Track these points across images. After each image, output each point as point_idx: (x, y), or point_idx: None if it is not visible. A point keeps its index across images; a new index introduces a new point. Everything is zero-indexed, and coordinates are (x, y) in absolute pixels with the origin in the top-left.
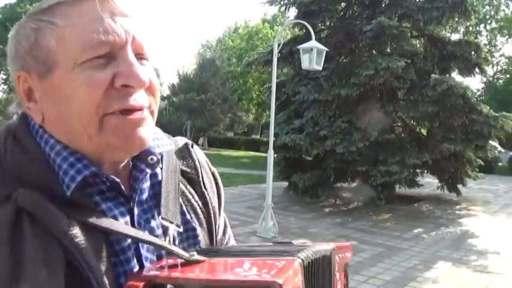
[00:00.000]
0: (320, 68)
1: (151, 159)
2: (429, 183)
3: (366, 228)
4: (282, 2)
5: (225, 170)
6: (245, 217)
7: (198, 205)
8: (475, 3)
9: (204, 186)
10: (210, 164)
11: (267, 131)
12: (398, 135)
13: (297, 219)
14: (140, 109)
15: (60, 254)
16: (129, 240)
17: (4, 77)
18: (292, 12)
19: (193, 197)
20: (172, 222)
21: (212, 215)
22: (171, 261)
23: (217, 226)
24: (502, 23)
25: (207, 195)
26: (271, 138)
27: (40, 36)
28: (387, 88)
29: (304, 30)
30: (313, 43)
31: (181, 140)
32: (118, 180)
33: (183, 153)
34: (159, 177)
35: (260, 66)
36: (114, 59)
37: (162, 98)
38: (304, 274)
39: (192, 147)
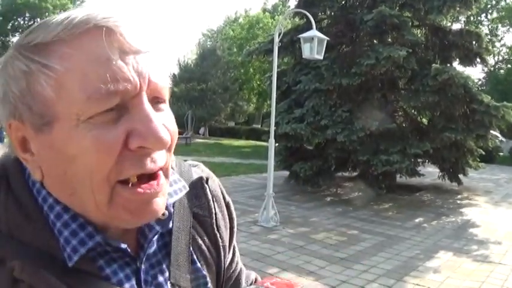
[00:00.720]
0: (321, 57)
1: (163, 214)
2: (430, 172)
3: (367, 218)
4: None
5: (226, 160)
6: (246, 206)
7: (208, 249)
8: None
9: (217, 229)
10: (225, 194)
11: (268, 121)
12: (400, 125)
13: (298, 208)
14: (157, 175)
15: None
16: None
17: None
18: (293, 1)
19: (204, 242)
20: (180, 285)
21: (222, 255)
22: None
23: (226, 262)
24: (503, 13)
25: (218, 237)
26: (272, 128)
27: (33, 82)
28: (388, 77)
29: (304, 20)
30: (314, 32)
31: (195, 171)
32: (125, 246)
33: (197, 191)
34: (169, 226)
35: (261, 55)
36: (127, 111)
37: None
38: None
39: (207, 182)
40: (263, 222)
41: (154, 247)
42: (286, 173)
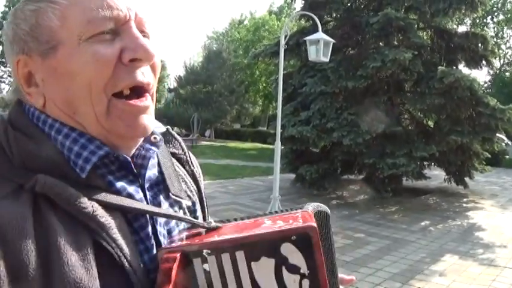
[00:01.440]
0: (327, 59)
1: (155, 138)
2: (436, 175)
3: (373, 221)
4: None
5: (232, 162)
6: (252, 209)
7: (190, 183)
8: None
9: (191, 162)
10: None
11: (274, 123)
12: (406, 128)
13: None
14: (147, 89)
15: (87, 235)
16: (146, 217)
17: (10, 69)
18: (299, 3)
19: (186, 176)
20: (182, 198)
21: (200, 184)
22: (187, 234)
23: (206, 200)
24: (509, 15)
25: (196, 172)
26: (279, 131)
27: (41, 16)
28: (394, 80)
29: (310, 22)
30: (320, 35)
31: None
32: (129, 158)
33: (167, 137)
34: (161, 147)
35: (267, 58)
36: (119, 35)
37: (169, 90)
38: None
39: (172, 129)
40: None
41: (151, 171)
42: (292, 175)
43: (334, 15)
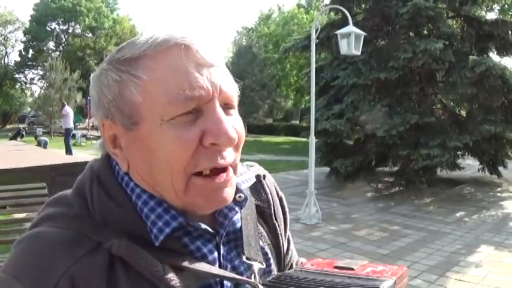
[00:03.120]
0: (359, 53)
1: (240, 196)
2: (470, 165)
3: (408, 213)
4: None
5: (266, 157)
6: (288, 204)
7: (269, 236)
8: None
9: (276, 219)
10: (278, 189)
11: (307, 117)
12: (438, 118)
13: (339, 204)
14: (227, 168)
15: None
16: (215, 279)
17: (41, 72)
18: None
19: (264, 229)
20: (256, 260)
21: (280, 242)
22: None
23: (284, 252)
24: None
25: (277, 227)
26: (312, 124)
27: (124, 89)
28: (425, 71)
29: (340, 15)
30: (351, 28)
31: (252, 170)
32: (205, 227)
33: (256, 186)
34: (245, 206)
35: (298, 52)
36: (202, 114)
37: None
38: None
39: (264, 178)
40: (305, 219)
41: (231, 227)
42: (327, 169)
43: (363, 6)
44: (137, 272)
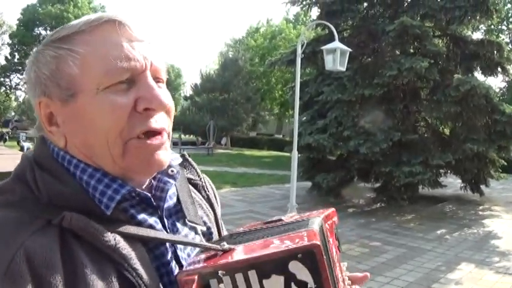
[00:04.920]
0: (344, 68)
1: (172, 171)
2: (452, 183)
3: (389, 229)
4: (304, 2)
5: (248, 170)
6: (269, 217)
7: (206, 207)
8: (496, 2)
9: (207, 189)
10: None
11: (291, 131)
12: (422, 136)
13: None
14: (161, 131)
15: (110, 266)
16: (166, 245)
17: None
18: (315, 11)
19: (201, 201)
20: (198, 224)
21: (216, 212)
22: (204, 256)
23: (221, 223)
24: None
25: (211, 196)
26: (295, 139)
27: (61, 63)
28: (410, 88)
29: (327, 30)
30: (337, 44)
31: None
32: (149, 195)
33: (184, 163)
34: (178, 179)
35: (283, 66)
36: (135, 84)
37: (185, 98)
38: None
39: (189, 156)
40: None
41: (170, 200)
42: (309, 184)
43: (350, 23)
44: (90, 243)
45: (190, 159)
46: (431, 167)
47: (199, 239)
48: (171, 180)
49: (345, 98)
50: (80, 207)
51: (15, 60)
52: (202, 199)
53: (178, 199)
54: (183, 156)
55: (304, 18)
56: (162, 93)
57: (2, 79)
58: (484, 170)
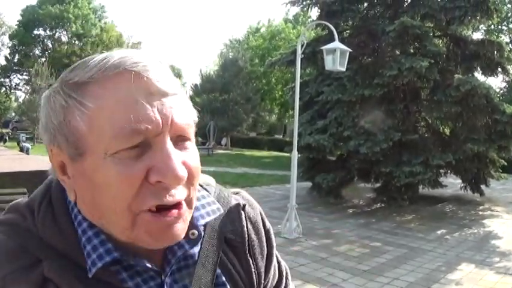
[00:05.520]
0: (344, 69)
1: (193, 233)
2: (452, 183)
3: (390, 230)
4: (304, 3)
5: (248, 170)
6: (269, 218)
7: (239, 274)
8: (496, 2)
9: (250, 253)
10: (265, 221)
11: (291, 131)
12: (422, 136)
13: (320, 220)
14: (179, 204)
15: None
16: None
17: (27, 78)
18: (315, 12)
19: (233, 267)
20: None
21: (255, 281)
22: None
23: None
24: None
25: (251, 263)
26: (295, 139)
27: (69, 116)
28: (410, 88)
29: (326, 30)
30: (337, 44)
31: (234, 198)
32: (149, 265)
33: (233, 217)
34: (198, 246)
35: (283, 66)
36: (150, 148)
37: None
38: None
39: (243, 209)
40: (286, 233)
41: (180, 264)
42: (309, 184)
43: (350, 23)
44: None
45: (245, 212)
46: (432, 167)
47: None
48: (186, 246)
49: (345, 98)
50: (70, 259)
51: (15, 60)
52: (237, 264)
53: (196, 264)
54: (237, 207)
55: (303, 19)
56: (179, 163)
57: (1, 79)
58: (484, 170)
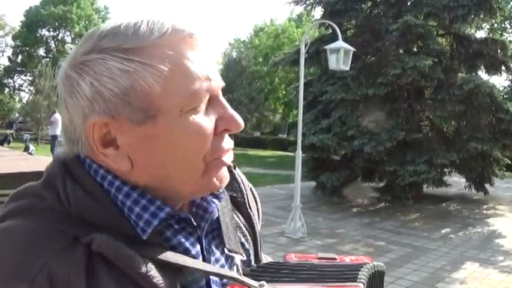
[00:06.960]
0: (347, 68)
1: (218, 190)
2: (456, 182)
3: (394, 229)
4: (307, 2)
5: (252, 170)
6: (273, 217)
7: (246, 228)
8: (500, 0)
9: (250, 207)
10: (246, 179)
11: (294, 131)
12: (426, 135)
13: (325, 219)
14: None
15: None
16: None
17: (30, 78)
18: (318, 11)
19: (240, 220)
20: (237, 253)
21: (257, 236)
22: None
23: (260, 244)
24: None
25: (252, 216)
26: (300, 139)
27: (137, 80)
28: (414, 87)
29: (330, 30)
30: (341, 43)
31: None
32: (190, 216)
33: (230, 177)
34: (223, 198)
35: (287, 66)
36: (212, 102)
37: None
38: None
39: (234, 168)
40: (290, 233)
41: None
42: (313, 183)
43: (354, 22)
44: (119, 269)
45: (236, 171)
46: (436, 166)
47: (236, 268)
48: (215, 201)
49: (348, 97)
50: (112, 228)
51: (19, 61)
52: (242, 218)
53: (218, 221)
54: (228, 168)
55: (307, 18)
56: (236, 112)
57: (5, 80)
58: (488, 168)
